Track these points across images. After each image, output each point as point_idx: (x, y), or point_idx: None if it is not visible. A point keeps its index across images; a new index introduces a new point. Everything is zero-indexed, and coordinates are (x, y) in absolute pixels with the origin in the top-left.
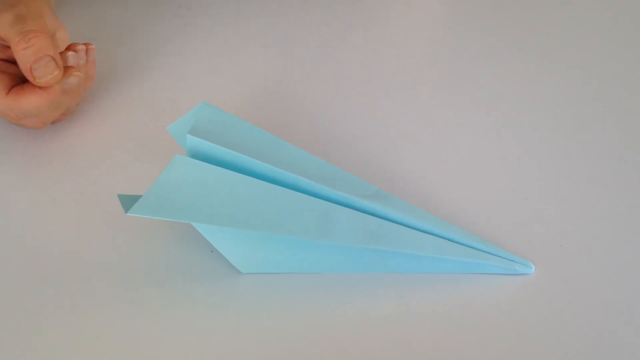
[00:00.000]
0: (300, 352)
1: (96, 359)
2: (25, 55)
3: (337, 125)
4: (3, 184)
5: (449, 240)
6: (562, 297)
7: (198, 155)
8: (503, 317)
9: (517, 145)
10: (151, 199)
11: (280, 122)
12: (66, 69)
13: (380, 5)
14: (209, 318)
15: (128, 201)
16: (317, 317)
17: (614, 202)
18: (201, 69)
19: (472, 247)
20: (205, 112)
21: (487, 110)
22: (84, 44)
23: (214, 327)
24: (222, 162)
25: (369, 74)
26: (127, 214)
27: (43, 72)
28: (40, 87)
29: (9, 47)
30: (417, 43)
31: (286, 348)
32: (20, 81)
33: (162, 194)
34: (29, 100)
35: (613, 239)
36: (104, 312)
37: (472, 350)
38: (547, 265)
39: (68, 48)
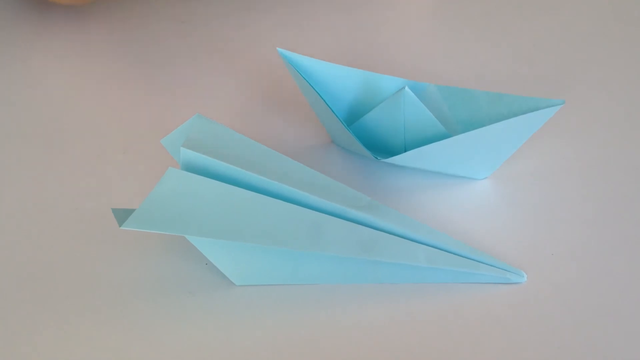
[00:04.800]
0: None
1: None
2: None
3: (329, 136)
4: None
5: (441, 249)
6: (555, 305)
7: (192, 168)
8: (495, 326)
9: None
10: (145, 212)
11: (274, 133)
12: None
13: (377, 11)
14: (202, 330)
15: (122, 215)
16: (310, 328)
17: (604, 209)
18: (195, 80)
19: (465, 257)
20: (200, 124)
21: None
22: None
23: (208, 340)
24: (215, 174)
25: None
26: (121, 228)
27: None
28: None
29: None
30: (407, 49)
31: (280, 359)
32: None
33: (155, 207)
34: None
35: (604, 246)
36: (95, 326)
37: (464, 358)
38: (539, 274)
39: None
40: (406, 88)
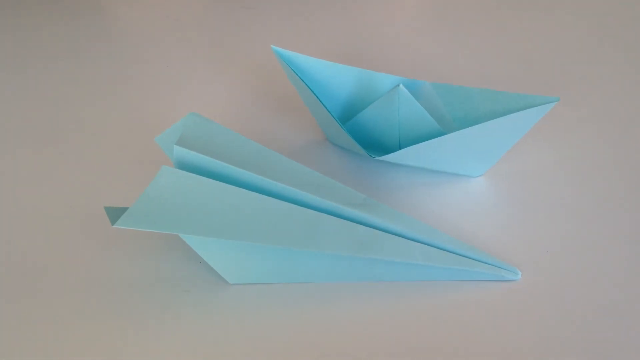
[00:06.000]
0: None
1: None
2: None
3: (323, 134)
4: None
5: (437, 247)
6: (548, 302)
7: (185, 166)
8: (491, 323)
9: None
10: (138, 210)
11: (268, 131)
12: None
13: (372, 9)
14: (197, 329)
15: (115, 213)
16: (305, 326)
17: (598, 207)
18: (189, 79)
19: (460, 255)
20: (193, 122)
21: None
22: None
23: (203, 338)
24: (209, 172)
25: None
26: (114, 226)
27: None
28: None
29: None
30: (402, 47)
31: (275, 358)
32: None
33: (149, 205)
34: None
35: (598, 244)
36: (91, 324)
37: (461, 356)
38: (533, 271)
39: None
40: (401, 86)
